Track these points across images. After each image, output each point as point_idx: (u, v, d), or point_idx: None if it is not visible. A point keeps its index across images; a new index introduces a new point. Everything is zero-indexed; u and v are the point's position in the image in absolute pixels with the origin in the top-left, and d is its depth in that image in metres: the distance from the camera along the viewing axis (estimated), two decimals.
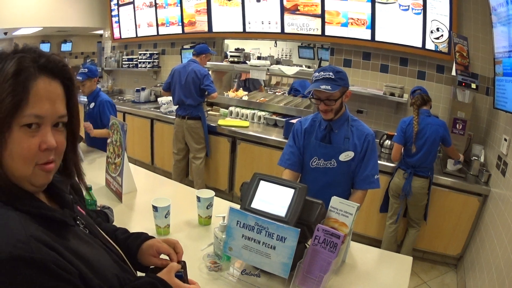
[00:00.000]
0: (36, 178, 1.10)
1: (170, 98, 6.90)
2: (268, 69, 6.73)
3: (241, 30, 6.90)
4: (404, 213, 4.80)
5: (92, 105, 4.72)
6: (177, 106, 6.19)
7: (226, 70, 7.50)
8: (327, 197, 2.18)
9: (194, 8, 7.36)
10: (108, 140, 3.38)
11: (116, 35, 9.31)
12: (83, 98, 5.10)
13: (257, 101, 6.95)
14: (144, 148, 7.58)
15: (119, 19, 9.04)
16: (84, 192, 2.58)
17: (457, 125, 4.89)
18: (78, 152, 1.32)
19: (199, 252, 2.31)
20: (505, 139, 4.11)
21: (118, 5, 8.88)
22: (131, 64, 8.89)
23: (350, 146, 2.93)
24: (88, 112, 4.75)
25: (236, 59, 7.21)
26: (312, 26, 6.06)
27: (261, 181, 2.20)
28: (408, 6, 5.24)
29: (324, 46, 8.72)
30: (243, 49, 7.63)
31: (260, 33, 6.74)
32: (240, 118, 6.80)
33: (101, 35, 10.09)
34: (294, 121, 5.01)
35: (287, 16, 6.26)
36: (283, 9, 6.25)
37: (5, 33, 8.59)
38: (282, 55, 10.06)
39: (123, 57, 9.20)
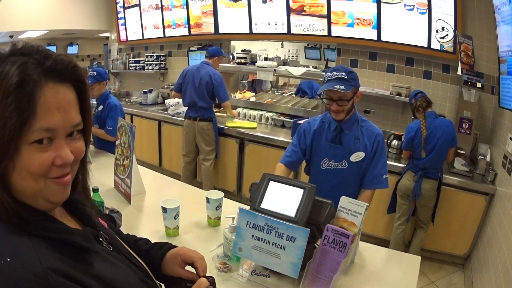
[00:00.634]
0: (51, 193, 0.98)
1: (177, 100, 6.91)
2: (275, 70, 6.74)
3: (248, 31, 6.91)
4: (412, 213, 4.79)
5: (100, 107, 4.73)
6: (187, 107, 6.18)
7: (233, 71, 7.52)
8: (338, 198, 2.20)
9: (200, 10, 7.37)
10: (117, 142, 3.40)
11: (123, 37, 9.33)
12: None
13: (265, 102, 6.96)
14: (152, 150, 7.60)
15: (125, 22, 9.06)
16: (93, 194, 2.60)
17: (463, 125, 4.89)
18: (86, 160, 1.16)
19: (208, 253, 2.31)
20: (511, 138, 4.11)
21: (124, 8, 8.91)
22: (138, 66, 8.92)
23: (360, 146, 2.94)
24: (96, 114, 4.76)
25: (243, 60, 7.23)
26: (318, 26, 6.06)
27: (271, 182, 2.20)
28: (413, 6, 5.24)
29: (331, 47, 8.69)
30: (250, 50, 7.65)
31: (267, 34, 6.74)
32: (248, 119, 6.83)
33: (107, 38, 10.10)
34: (301, 121, 5.03)
35: (293, 17, 6.27)
36: (289, 10, 6.26)
37: (11, 36, 8.60)
38: (288, 56, 10.06)
39: (130, 59, 9.21)
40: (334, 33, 5.97)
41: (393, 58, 5.76)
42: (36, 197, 0.96)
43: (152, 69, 8.54)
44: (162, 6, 8.05)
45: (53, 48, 11.55)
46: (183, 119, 6.38)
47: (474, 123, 4.87)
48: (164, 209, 2.53)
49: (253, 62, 7.20)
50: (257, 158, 6.10)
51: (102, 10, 9.28)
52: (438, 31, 5.18)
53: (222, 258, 2.28)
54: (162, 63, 8.60)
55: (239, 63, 7.23)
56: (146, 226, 2.83)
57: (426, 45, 5.34)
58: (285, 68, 6.75)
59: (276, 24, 6.50)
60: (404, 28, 5.42)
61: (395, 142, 5.25)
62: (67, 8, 8.55)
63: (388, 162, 4.39)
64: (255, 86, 8.33)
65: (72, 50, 12.97)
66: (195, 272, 1.45)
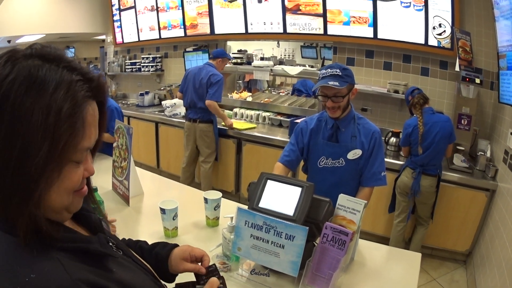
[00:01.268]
0: (74, 205, 1.01)
1: (174, 101, 6.92)
2: (271, 69, 6.75)
3: (243, 32, 6.90)
4: (412, 211, 4.78)
5: None
6: (187, 108, 6.14)
7: (230, 71, 7.51)
8: (336, 197, 2.18)
9: (195, 11, 7.37)
10: (114, 144, 3.38)
11: (119, 39, 9.32)
12: None
13: (262, 102, 6.96)
14: (149, 151, 7.59)
15: (121, 24, 9.05)
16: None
17: (462, 121, 4.89)
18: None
19: (207, 254, 2.30)
20: (511, 133, 4.10)
21: (120, 10, 8.90)
22: (134, 68, 8.90)
23: (357, 144, 2.95)
24: None
25: (239, 61, 7.22)
26: (314, 25, 6.06)
27: (268, 181, 2.20)
28: (410, 2, 5.24)
29: (327, 45, 8.68)
30: (246, 50, 7.64)
31: (263, 34, 6.74)
32: (244, 119, 6.83)
33: (103, 40, 10.09)
34: (299, 121, 5.01)
35: (289, 16, 6.27)
36: (284, 9, 6.26)
37: (9, 41, 8.59)
38: (285, 55, 10.04)
39: (126, 61, 9.20)
40: (330, 31, 5.97)
41: (390, 56, 5.75)
42: (62, 211, 0.98)
43: (149, 70, 8.53)
44: (157, 7, 8.04)
45: None
46: (181, 120, 6.39)
47: (473, 119, 4.86)
48: (163, 210, 2.52)
49: (249, 62, 7.20)
50: (254, 158, 6.09)
51: (98, 13, 9.27)
52: (435, 27, 5.17)
53: (221, 258, 2.28)
54: (158, 65, 8.60)
55: (235, 63, 7.22)
56: (145, 227, 2.82)
57: (423, 42, 5.33)
58: (282, 68, 6.75)
59: (272, 24, 6.49)
60: (401, 25, 5.41)
61: (393, 139, 5.25)
62: (64, 12, 8.54)
63: (386, 159, 4.40)
64: (250, 85, 8.32)
65: (69, 53, 12.93)
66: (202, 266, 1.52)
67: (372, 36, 5.64)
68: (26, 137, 0.83)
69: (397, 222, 4.78)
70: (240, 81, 8.36)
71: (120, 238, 1.46)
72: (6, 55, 0.90)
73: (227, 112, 7.06)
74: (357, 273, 2.27)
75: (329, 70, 2.80)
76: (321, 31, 6.04)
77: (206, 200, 2.70)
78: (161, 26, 8.15)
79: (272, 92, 8.23)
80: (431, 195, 4.55)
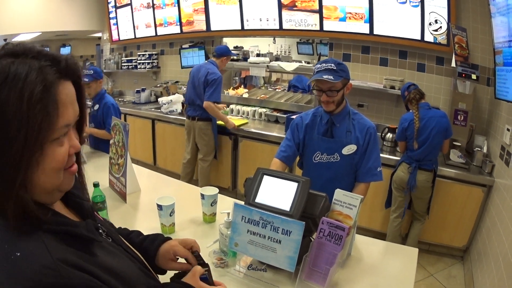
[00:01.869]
0: (65, 183, 1.07)
1: (170, 98, 6.93)
2: (267, 66, 6.74)
3: (239, 28, 6.88)
4: (408, 206, 4.79)
5: (96, 107, 4.70)
6: (187, 106, 6.11)
7: (226, 68, 7.48)
8: (331, 192, 2.19)
9: (191, 8, 7.35)
10: (111, 141, 3.38)
11: (115, 37, 9.30)
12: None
13: (258, 98, 6.96)
14: (146, 148, 7.59)
15: (117, 21, 9.03)
16: (94, 189, 2.66)
17: (459, 116, 4.89)
18: (81, 153, 1.22)
19: (204, 250, 2.28)
20: (508, 129, 4.11)
21: (116, 7, 8.87)
22: (130, 65, 8.89)
23: (352, 139, 2.95)
24: (92, 114, 4.73)
25: (235, 57, 7.21)
26: (310, 21, 6.05)
27: (265, 176, 2.20)
28: None
29: (323, 41, 8.69)
30: (242, 47, 7.65)
31: (259, 30, 6.73)
32: (241, 116, 6.82)
33: (99, 38, 10.07)
34: (294, 117, 5.04)
35: (285, 13, 6.26)
36: (280, 6, 6.25)
37: (5, 40, 8.57)
38: (281, 51, 10.05)
39: (122, 58, 9.19)
40: (326, 27, 5.96)
41: (386, 52, 5.75)
42: (54, 191, 1.05)
43: (145, 68, 8.52)
44: (153, 4, 8.02)
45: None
46: (177, 117, 6.41)
47: (470, 114, 4.86)
48: (160, 207, 2.53)
49: (246, 58, 7.21)
50: (251, 154, 6.09)
51: (94, 10, 9.25)
52: (431, 23, 5.17)
53: (218, 253, 2.27)
54: (154, 62, 8.58)
55: (231, 60, 7.21)
56: (142, 224, 2.82)
57: (419, 38, 5.33)
58: (278, 64, 6.76)
59: (267, 20, 6.49)
60: (397, 22, 5.41)
61: (389, 135, 5.25)
62: (60, 9, 8.53)
63: (382, 155, 4.39)
64: (246, 81, 8.31)
65: (65, 51, 12.91)
66: (189, 262, 1.58)
67: (368, 32, 5.64)
68: (4, 125, 0.90)
69: (393, 218, 4.79)
70: (236, 78, 8.37)
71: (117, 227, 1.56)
72: None
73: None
74: (354, 268, 2.28)
75: (324, 64, 2.81)
76: (317, 27, 6.03)
77: (203, 196, 2.70)
78: (157, 23, 8.13)
79: (268, 89, 8.24)
80: (427, 190, 4.56)
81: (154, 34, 8.33)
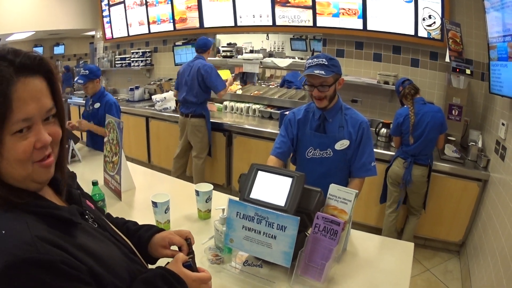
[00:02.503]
0: (37, 174, 1.11)
1: (164, 95, 6.95)
2: (261, 62, 6.75)
3: (233, 25, 6.89)
4: (403, 201, 4.80)
5: (97, 105, 4.67)
6: (181, 103, 6.12)
7: (219, 65, 7.49)
8: (324, 187, 2.19)
9: (184, 5, 7.35)
10: (105, 139, 3.38)
11: (108, 35, 9.29)
12: (77, 99, 5.03)
13: (252, 94, 6.96)
14: (140, 146, 7.57)
15: (110, 19, 9.02)
16: (93, 187, 2.70)
17: (453, 111, 4.90)
18: (66, 145, 1.31)
19: (200, 246, 2.30)
20: (503, 124, 4.11)
21: (109, 5, 8.86)
22: (124, 63, 8.88)
23: (345, 134, 2.95)
24: (92, 112, 4.70)
25: (228, 54, 7.21)
26: (304, 17, 6.06)
27: (259, 172, 2.19)
28: None
29: (316, 37, 8.65)
30: (235, 44, 7.62)
31: (252, 27, 6.74)
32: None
33: (93, 36, 10.06)
34: (288, 112, 5.04)
35: (278, 9, 6.26)
36: (273, 2, 6.25)
37: None
38: (274, 47, 10.02)
39: (116, 56, 9.18)
40: (319, 23, 5.97)
41: (379, 47, 5.76)
42: (26, 181, 1.10)
43: (138, 65, 8.51)
44: (146, 2, 8.01)
45: (39, 49, 11.58)
46: (171, 114, 6.43)
47: (464, 109, 4.87)
48: (155, 204, 2.53)
49: (239, 55, 7.20)
50: (245, 150, 6.09)
51: (87, 8, 9.25)
52: (425, 19, 5.18)
53: (214, 250, 2.27)
54: (148, 59, 8.58)
55: (224, 57, 7.22)
56: (138, 221, 2.81)
57: (413, 33, 5.34)
58: (271, 60, 6.76)
59: (261, 17, 6.49)
60: (391, 17, 5.41)
61: (383, 130, 5.25)
62: (53, 8, 8.53)
63: (377, 150, 4.38)
64: (246, 78, 8.31)
65: (59, 50, 12.93)
66: (182, 250, 1.62)
67: (361, 28, 5.64)
68: None
69: (389, 213, 4.79)
70: (233, 74, 8.36)
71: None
72: None
73: (217, 105, 7.08)
74: (350, 263, 2.27)
75: (315, 59, 2.81)
76: (310, 23, 6.04)
77: (197, 192, 2.69)
78: (151, 20, 8.13)
79: (262, 85, 8.23)
80: (422, 184, 4.57)
81: (147, 32, 8.33)
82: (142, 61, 8.47)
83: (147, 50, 8.57)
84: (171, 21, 7.71)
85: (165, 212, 2.57)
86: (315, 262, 2.03)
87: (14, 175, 1.07)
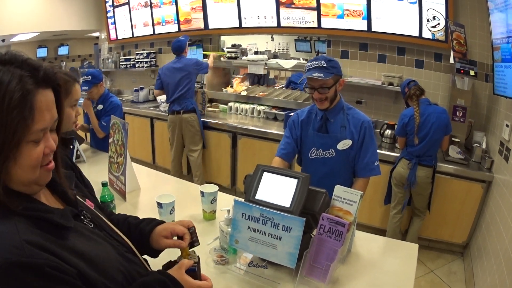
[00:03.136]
0: (42, 178, 1.17)
1: None
2: (265, 63, 6.73)
3: (237, 26, 6.89)
4: (408, 202, 4.79)
5: (100, 107, 4.63)
6: (171, 103, 6.20)
7: (225, 66, 7.50)
8: (328, 188, 2.20)
9: (189, 6, 7.35)
10: (110, 140, 3.38)
11: (113, 36, 9.29)
12: (81, 101, 5.01)
13: (256, 95, 6.96)
14: (145, 147, 7.59)
15: (114, 20, 9.02)
16: (102, 188, 2.71)
17: (457, 113, 4.90)
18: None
19: (205, 247, 2.30)
20: (507, 125, 4.11)
21: (114, 7, 8.86)
22: (129, 64, 8.87)
23: (347, 134, 2.97)
24: (95, 113, 4.65)
25: (233, 55, 7.21)
26: (308, 19, 6.06)
27: (264, 173, 2.20)
28: None
29: (321, 39, 8.67)
30: (240, 45, 7.63)
31: (257, 28, 6.74)
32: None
33: (97, 37, 10.06)
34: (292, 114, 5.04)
35: (282, 10, 6.26)
36: (278, 3, 6.25)
37: (3, 40, 8.56)
38: (279, 49, 10.02)
39: (120, 57, 9.17)
40: (324, 25, 5.96)
41: (384, 48, 5.75)
42: (31, 184, 1.14)
43: (143, 66, 8.50)
44: (151, 3, 8.01)
45: (44, 50, 11.54)
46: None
47: (468, 110, 4.87)
48: (160, 204, 2.54)
49: (244, 56, 7.20)
50: (250, 151, 6.09)
51: (91, 9, 9.25)
52: (429, 20, 5.17)
53: (219, 251, 2.27)
54: (152, 61, 8.57)
55: (229, 58, 7.21)
56: None
57: (417, 35, 5.33)
58: (276, 61, 6.74)
59: (265, 18, 6.49)
60: (395, 18, 5.41)
61: (388, 131, 5.25)
62: (57, 9, 8.53)
63: (382, 151, 4.39)
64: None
65: (63, 51, 12.91)
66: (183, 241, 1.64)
67: (366, 29, 5.64)
68: None
69: (393, 214, 4.79)
70: (239, 76, 8.34)
71: None
72: None
73: (222, 106, 7.09)
74: (354, 264, 2.28)
75: (314, 62, 2.84)
76: (315, 25, 6.04)
77: (202, 193, 2.70)
78: (155, 21, 8.13)
79: (267, 86, 8.23)
80: (427, 186, 4.57)
81: (152, 33, 8.33)
82: (146, 62, 8.46)
83: (151, 51, 8.56)
84: (176, 22, 7.71)
85: (170, 213, 2.58)
86: (320, 263, 2.04)
87: (23, 179, 1.10)
